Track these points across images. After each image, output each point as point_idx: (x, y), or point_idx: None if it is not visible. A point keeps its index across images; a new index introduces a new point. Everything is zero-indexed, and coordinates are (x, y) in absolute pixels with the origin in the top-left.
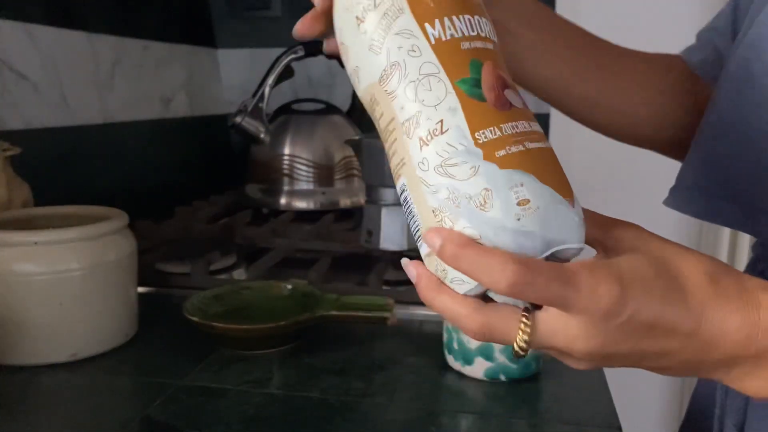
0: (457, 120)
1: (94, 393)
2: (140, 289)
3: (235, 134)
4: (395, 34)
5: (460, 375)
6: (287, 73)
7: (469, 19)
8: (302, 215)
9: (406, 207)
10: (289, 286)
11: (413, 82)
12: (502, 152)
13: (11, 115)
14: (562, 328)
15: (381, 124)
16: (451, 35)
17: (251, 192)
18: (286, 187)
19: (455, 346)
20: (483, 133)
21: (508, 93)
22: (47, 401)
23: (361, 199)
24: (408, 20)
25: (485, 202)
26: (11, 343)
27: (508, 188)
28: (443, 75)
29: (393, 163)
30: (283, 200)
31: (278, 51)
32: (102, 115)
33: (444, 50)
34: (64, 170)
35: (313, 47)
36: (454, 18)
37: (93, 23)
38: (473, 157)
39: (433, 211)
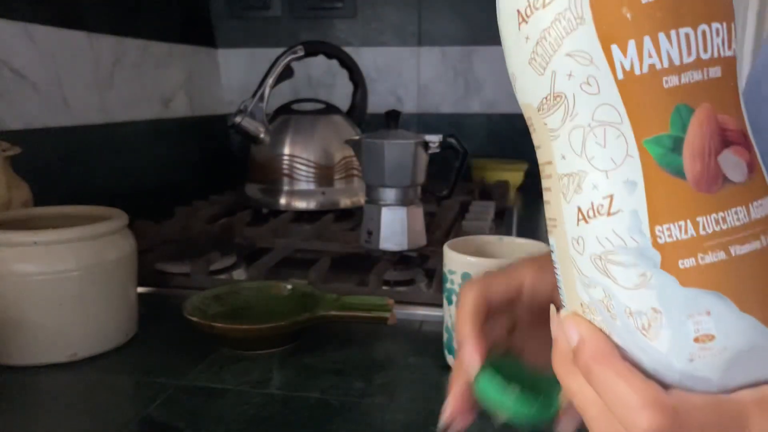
0: (635, 201)
1: (93, 393)
2: (140, 289)
3: (235, 134)
4: (566, 55)
5: None
6: (287, 72)
7: (687, 35)
8: (302, 215)
9: (554, 267)
10: (289, 286)
11: (582, 128)
12: (689, 262)
13: (11, 115)
14: None
15: (537, 152)
16: (651, 65)
17: (251, 192)
18: (285, 187)
19: (455, 346)
20: (668, 228)
21: (725, 158)
22: (47, 401)
23: (361, 199)
24: (587, 36)
25: (650, 326)
26: (11, 343)
27: (687, 316)
28: (627, 127)
29: (546, 210)
30: (282, 200)
31: (278, 51)
32: (102, 115)
33: (636, 89)
34: (63, 170)
35: (313, 47)
36: (662, 36)
37: (93, 23)
38: (646, 262)
39: (581, 305)
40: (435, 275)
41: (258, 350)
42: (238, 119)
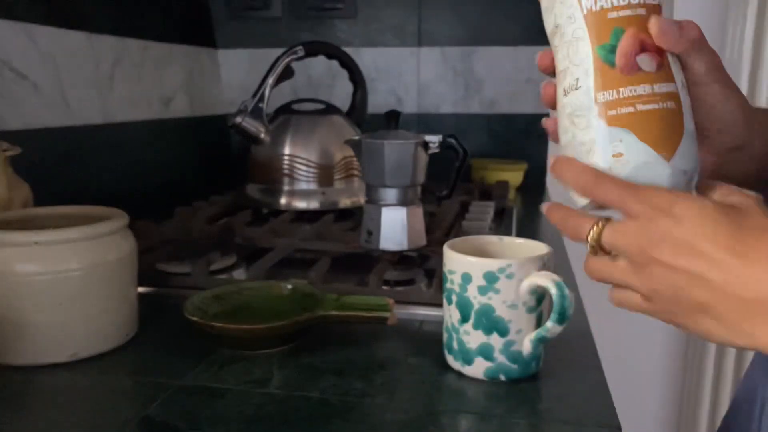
0: (588, 81)
1: (93, 393)
2: (140, 289)
3: (236, 134)
4: (560, 3)
5: (460, 375)
6: (287, 73)
7: None
8: (302, 215)
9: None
10: (289, 286)
11: (566, 43)
12: (612, 112)
13: (11, 115)
14: (624, 230)
15: (555, 61)
16: (601, 6)
17: (251, 192)
18: (286, 187)
19: (455, 346)
20: (603, 93)
21: (642, 58)
22: (47, 401)
23: (361, 199)
24: None
25: (591, 149)
26: (11, 343)
27: (609, 142)
28: (586, 41)
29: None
30: (283, 200)
31: (278, 51)
32: (102, 115)
33: (593, 19)
34: (64, 170)
35: (313, 47)
36: None
37: (93, 23)
38: (590, 113)
39: (562, 146)
40: (435, 275)
41: (258, 350)
42: (238, 119)
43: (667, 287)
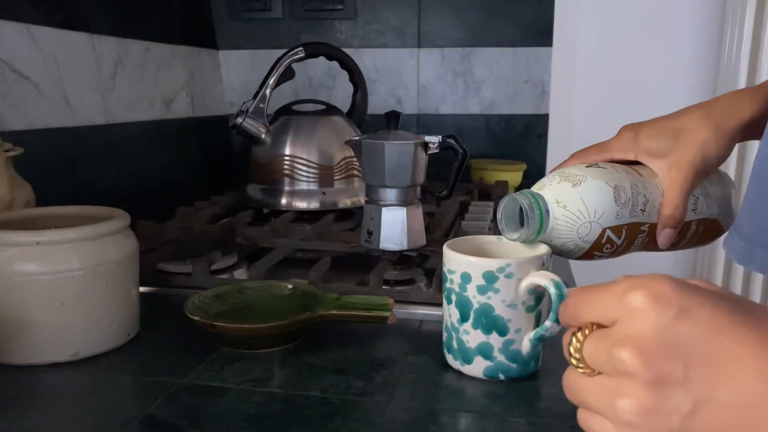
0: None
1: (95, 392)
2: (142, 289)
3: (236, 135)
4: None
5: (460, 374)
6: (288, 74)
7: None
8: (303, 215)
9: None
10: (290, 286)
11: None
12: None
13: (13, 116)
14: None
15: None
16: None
17: (252, 192)
18: (286, 188)
19: (454, 345)
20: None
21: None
22: (49, 400)
23: (361, 199)
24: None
25: None
26: (13, 343)
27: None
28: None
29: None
30: (283, 200)
31: (279, 52)
32: (103, 115)
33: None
34: (65, 170)
35: (314, 48)
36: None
37: (95, 24)
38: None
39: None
40: (434, 275)
41: (259, 349)
42: (239, 120)
43: None
